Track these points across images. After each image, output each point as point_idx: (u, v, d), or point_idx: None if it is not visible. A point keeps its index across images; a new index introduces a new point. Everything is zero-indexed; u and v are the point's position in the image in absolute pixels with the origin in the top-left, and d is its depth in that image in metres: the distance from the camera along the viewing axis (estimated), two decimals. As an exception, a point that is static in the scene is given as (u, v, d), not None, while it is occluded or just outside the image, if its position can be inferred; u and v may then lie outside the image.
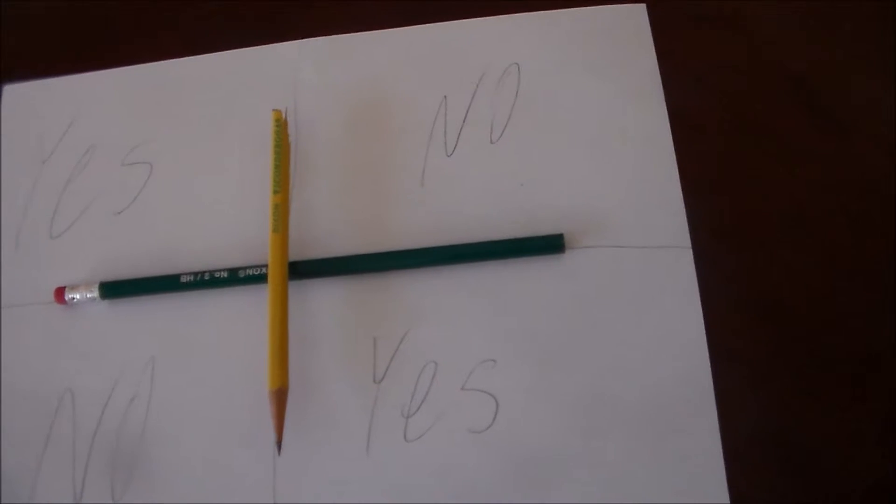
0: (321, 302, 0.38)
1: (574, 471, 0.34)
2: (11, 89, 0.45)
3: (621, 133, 0.39)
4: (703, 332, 0.35)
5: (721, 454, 0.34)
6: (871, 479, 0.34)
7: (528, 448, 0.35)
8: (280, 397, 0.35)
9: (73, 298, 0.39)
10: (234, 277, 0.38)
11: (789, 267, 0.37)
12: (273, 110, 0.40)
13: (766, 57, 0.41)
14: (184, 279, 0.39)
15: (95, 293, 0.39)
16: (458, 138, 0.40)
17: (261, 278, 0.38)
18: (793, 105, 0.40)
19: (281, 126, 0.39)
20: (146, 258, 0.40)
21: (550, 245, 0.37)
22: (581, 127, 0.39)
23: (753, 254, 0.38)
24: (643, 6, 0.41)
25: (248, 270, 0.38)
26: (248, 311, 0.38)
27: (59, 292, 0.39)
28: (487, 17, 0.42)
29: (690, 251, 0.37)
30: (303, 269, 0.38)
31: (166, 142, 0.42)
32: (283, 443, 0.34)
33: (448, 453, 0.35)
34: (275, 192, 0.38)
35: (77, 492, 0.37)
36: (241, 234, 0.40)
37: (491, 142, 0.40)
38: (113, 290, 0.39)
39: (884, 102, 0.39)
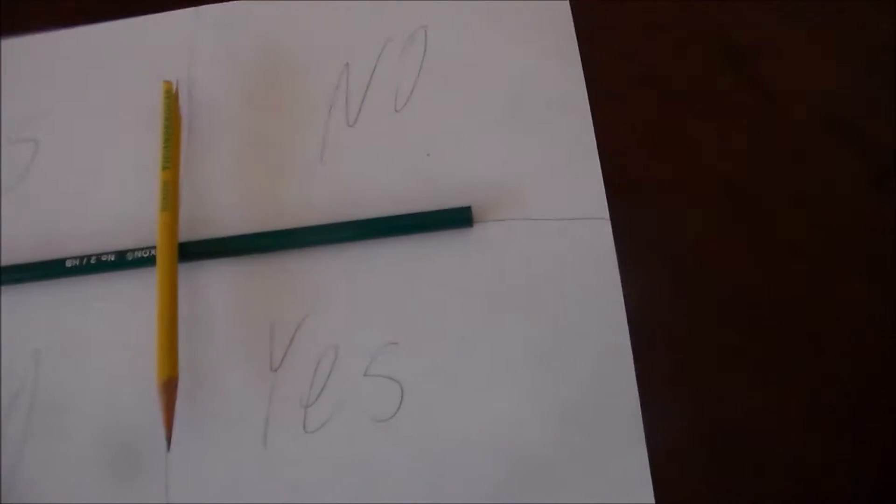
0: (213, 286, 0.36)
1: (486, 461, 0.32)
2: None
3: (535, 99, 0.37)
4: (623, 308, 0.33)
5: (644, 443, 0.31)
6: (801, 465, 0.32)
7: (436, 437, 0.33)
8: (169, 389, 0.33)
9: (-50, 287, 0.36)
10: (122, 261, 0.36)
11: (717, 241, 0.35)
12: (163, 81, 0.38)
13: (689, 15, 0.38)
14: (69, 264, 0.36)
15: (-25, 281, 0.36)
16: (361, 107, 0.38)
17: (150, 261, 0.35)
18: (717, 66, 0.38)
19: (171, 98, 0.37)
20: (31, 243, 0.38)
21: (457, 218, 0.35)
22: (492, 93, 0.37)
23: (675, 224, 0.35)
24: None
25: (136, 253, 0.36)
26: (136, 296, 0.36)
27: (-66, 281, 0.37)
28: (393, -21, 0.40)
29: (608, 222, 0.35)
30: (193, 250, 0.36)
31: (54, 118, 0.40)
32: (172, 438, 0.33)
33: (351, 444, 0.33)
34: (164, 168, 0.36)
35: (-43, 494, 0.34)
36: (132, 215, 0.37)
37: (395, 110, 0.38)
38: (-6, 276, 0.36)
39: (813, 64, 0.37)
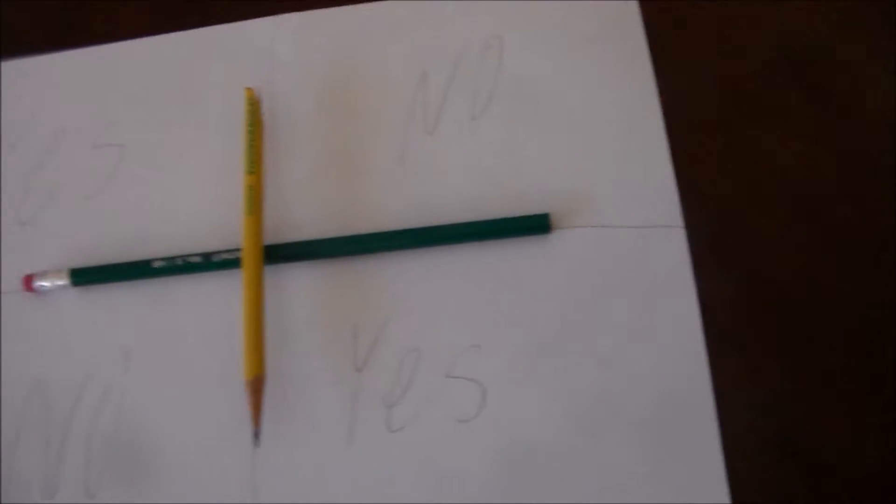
0: (298, 288, 0.37)
1: (564, 464, 0.33)
2: (-26, 72, 0.43)
3: (609, 108, 0.37)
4: (698, 316, 0.34)
5: (720, 449, 0.32)
6: (878, 472, 0.32)
7: (516, 438, 0.33)
8: (257, 387, 0.33)
9: (43, 286, 0.38)
10: (208, 262, 0.37)
11: (790, 248, 0.36)
12: (245, 88, 0.38)
13: (762, 33, 0.39)
14: (156, 264, 0.37)
15: (66, 280, 0.38)
16: (439, 115, 0.38)
17: (235, 263, 0.36)
18: (788, 80, 0.38)
19: (254, 104, 0.38)
20: (118, 244, 0.39)
21: (536, 225, 0.35)
22: (567, 102, 0.38)
23: (752, 235, 0.36)
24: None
25: (222, 255, 0.37)
26: (223, 297, 0.37)
27: (28, 280, 0.38)
28: (467, -10, 0.40)
29: (683, 230, 0.35)
30: (278, 253, 0.36)
31: (138, 123, 0.41)
32: (261, 434, 0.33)
33: (434, 443, 0.34)
34: (248, 172, 0.37)
35: (50, 489, 0.36)
36: (216, 218, 0.38)
37: (473, 118, 0.38)
38: (84, 276, 0.38)
39: (881, 79, 0.38)
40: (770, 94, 0.38)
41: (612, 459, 0.33)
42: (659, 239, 0.35)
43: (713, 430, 0.32)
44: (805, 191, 0.36)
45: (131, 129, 0.41)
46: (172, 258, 0.37)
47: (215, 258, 0.37)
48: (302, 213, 0.38)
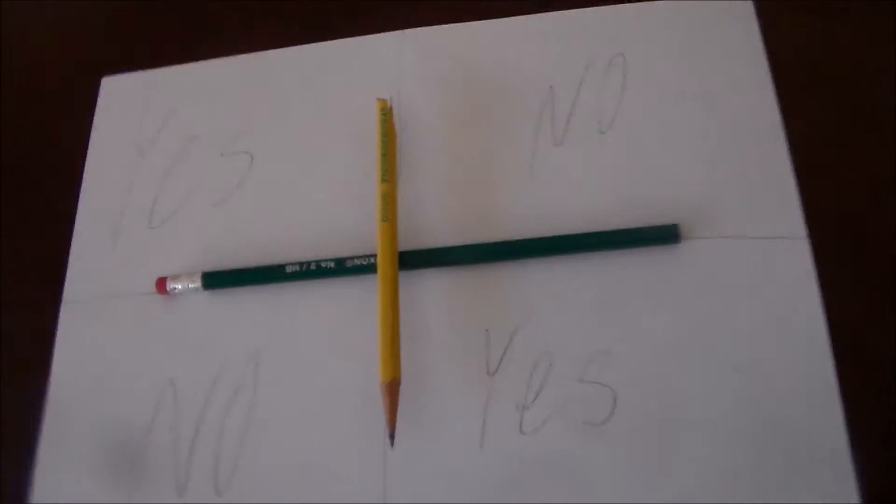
0: (430, 293, 0.37)
1: (690, 468, 0.33)
2: (110, 82, 0.45)
3: (731, 120, 0.38)
4: (825, 325, 0.34)
5: (849, 458, 0.32)
6: None
7: (647, 443, 0.34)
8: (393, 389, 0.34)
9: (175, 289, 0.39)
10: (342, 267, 0.38)
11: None
12: (378, 99, 0.39)
13: (880, 46, 0.40)
14: (289, 269, 0.38)
15: (198, 283, 0.39)
16: (567, 128, 0.39)
17: (369, 268, 0.37)
18: None
19: (387, 114, 0.39)
20: (247, 249, 0.40)
21: (664, 235, 0.36)
22: (690, 114, 0.39)
23: (874, 244, 0.36)
24: (750, 3, 0.40)
25: (355, 260, 0.37)
26: (354, 302, 0.38)
27: (161, 283, 0.39)
28: (590, 8, 0.42)
29: (807, 241, 0.36)
30: (411, 260, 0.37)
31: (267, 132, 0.42)
32: (395, 436, 0.34)
33: (566, 446, 0.34)
34: (383, 180, 0.38)
35: (180, 486, 0.36)
36: (344, 225, 0.39)
37: (600, 132, 0.39)
38: (216, 280, 0.39)
39: None
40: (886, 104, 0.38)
41: (736, 468, 0.33)
42: (783, 250, 0.36)
43: (843, 439, 0.32)
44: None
45: (260, 138, 0.42)
46: (306, 263, 0.38)
47: (349, 263, 0.37)
48: (433, 221, 0.39)
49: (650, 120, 0.39)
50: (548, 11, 0.42)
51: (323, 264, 0.38)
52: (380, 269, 0.36)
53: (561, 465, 0.34)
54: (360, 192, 0.39)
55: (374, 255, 0.37)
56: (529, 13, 0.42)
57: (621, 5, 0.41)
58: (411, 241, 0.38)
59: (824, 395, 0.33)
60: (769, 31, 0.39)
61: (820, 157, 0.38)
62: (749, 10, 0.40)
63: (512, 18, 0.42)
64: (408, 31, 0.43)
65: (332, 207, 0.40)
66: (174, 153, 0.42)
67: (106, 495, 0.36)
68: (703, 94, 0.39)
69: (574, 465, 0.34)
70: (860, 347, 0.34)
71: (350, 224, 0.39)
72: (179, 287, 0.39)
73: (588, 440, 0.34)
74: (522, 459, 0.34)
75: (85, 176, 0.43)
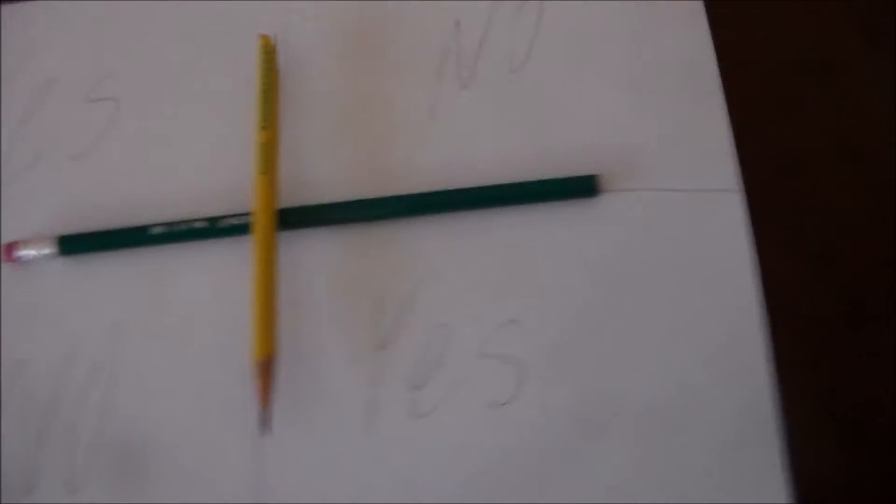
0: (315, 256, 0.34)
1: (612, 448, 0.31)
2: (-45, 16, 0.40)
3: (660, 63, 0.35)
4: (754, 283, 0.32)
5: (776, 431, 0.30)
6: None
7: (558, 423, 0.31)
8: (267, 368, 0.31)
9: (26, 255, 0.35)
10: (214, 228, 0.34)
11: (851, 213, 0.34)
12: (260, 35, 0.35)
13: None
14: (154, 231, 0.34)
15: (53, 249, 0.34)
16: (475, 68, 0.36)
17: (244, 228, 0.33)
18: (851, 34, 0.36)
19: (269, 53, 0.35)
20: (110, 209, 0.36)
21: (582, 188, 0.33)
22: (614, 55, 0.36)
23: (811, 198, 0.34)
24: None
25: (229, 220, 0.34)
26: (229, 267, 0.34)
27: (9, 248, 0.35)
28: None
29: (739, 194, 0.33)
30: (294, 218, 0.34)
31: (136, 74, 0.38)
32: (270, 422, 0.30)
33: (464, 431, 0.31)
34: (262, 128, 0.34)
35: (30, 478, 0.32)
36: (221, 181, 0.35)
37: (511, 71, 0.36)
38: (72, 244, 0.35)
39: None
40: (830, 50, 0.36)
41: (662, 440, 0.31)
42: (713, 203, 0.33)
43: (768, 407, 0.31)
44: (863, 156, 0.35)
45: (128, 81, 0.38)
46: (173, 224, 0.34)
47: (222, 223, 0.34)
48: (321, 173, 0.35)
49: (568, 60, 0.36)
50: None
51: (193, 224, 0.34)
52: (255, 230, 0.32)
53: (459, 452, 0.31)
54: (239, 142, 0.35)
55: (251, 214, 0.33)
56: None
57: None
58: (295, 196, 0.34)
59: (753, 362, 0.32)
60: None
61: (757, 107, 0.35)
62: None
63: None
64: (297, -40, 0.38)
65: (207, 160, 0.36)
66: (29, 99, 0.38)
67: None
68: (628, 31, 0.36)
69: (474, 451, 0.31)
70: (793, 310, 0.32)
71: (227, 179, 0.35)
72: (32, 253, 0.35)
73: (490, 423, 0.31)
74: (416, 446, 0.32)
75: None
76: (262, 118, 0.34)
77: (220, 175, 0.35)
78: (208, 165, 0.36)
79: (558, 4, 0.36)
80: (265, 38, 0.35)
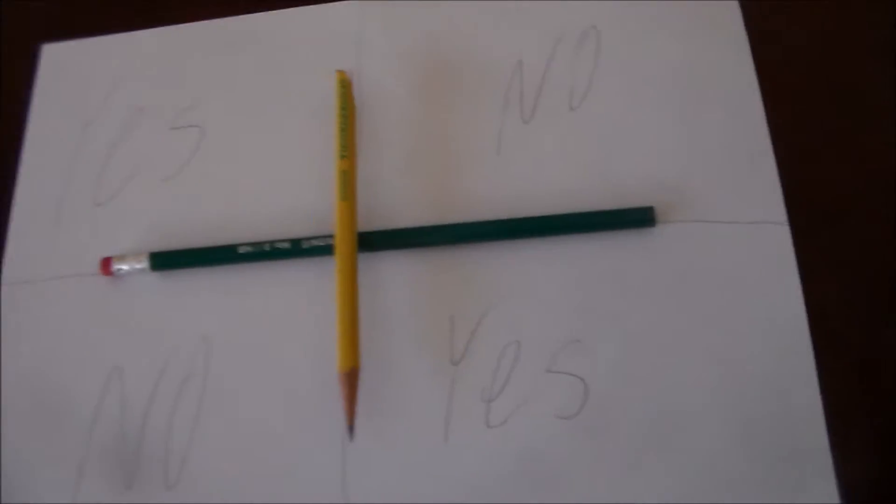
0: (392, 277, 0.36)
1: (667, 460, 0.32)
2: (51, 49, 0.42)
3: (709, 100, 0.36)
4: (805, 317, 0.33)
5: (829, 452, 0.31)
6: None
7: (620, 435, 0.32)
8: (351, 379, 0.32)
9: (121, 269, 0.37)
10: (297, 248, 0.36)
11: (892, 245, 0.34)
12: (337, 70, 0.37)
13: (859, 22, 0.38)
14: (242, 250, 0.36)
15: (145, 264, 0.36)
16: (536, 104, 0.37)
17: (326, 250, 0.35)
18: (888, 64, 0.37)
19: (346, 87, 0.37)
20: (198, 228, 0.38)
21: (640, 219, 0.34)
22: (665, 93, 0.37)
23: (860, 231, 0.35)
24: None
25: (312, 241, 0.35)
26: (311, 285, 0.36)
27: (106, 263, 0.37)
28: (562, -21, 0.39)
29: (787, 227, 0.34)
30: (372, 241, 0.35)
31: (218, 104, 0.40)
32: (354, 429, 0.32)
33: (534, 440, 0.33)
34: (341, 157, 0.35)
35: (127, 477, 0.34)
36: (301, 204, 0.37)
37: (571, 108, 0.37)
38: (164, 260, 0.37)
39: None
40: (877, 93, 0.37)
41: (715, 458, 0.32)
42: (764, 235, 0.34)
43: (822, 434, 0.32)
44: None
45: (211, 110, 0.40)
46: (260, 244, 0.36)
47: (305, 244, 0.35)
48: (395, 200, 0.37)
49: (624, 96, 0.37)
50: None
51: (278, 245, 0.36)
52: (338, 251, 0.34)
53: (529, 459, 0.33)
54: (319, 170, 0.37)
55: (332, 236, 0.35)
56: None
57: (595, -24, 0.39)
58: (372, 221, 0.36)
59: (804, 387, 0.32)
60: (750, 5, 0.38)
61: (803, 141, 0.36)
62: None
63: None
64: (367, 2, 0.40)
65: (287, 185, 0.38)
66: (120, 126, 0.40)
67: (48, 491, 0.34)
68: (680, 70, 0.37)
69: (544, 460, 0.32)
70: (838, 336, 0.33)
71: (307, 203, 0.37)
72: (125, 268, 0.37)
73: (558, 434, 0.33)
74: (488, 453, 0.33)
75: (24, 150, 0.40)
76: (341, 147, 0.36)
77: (300, 200, 0.37)
78: (291, 191, 0.37)
79: (613, 46, 0.38)
80: (341, 73, 0.37)
